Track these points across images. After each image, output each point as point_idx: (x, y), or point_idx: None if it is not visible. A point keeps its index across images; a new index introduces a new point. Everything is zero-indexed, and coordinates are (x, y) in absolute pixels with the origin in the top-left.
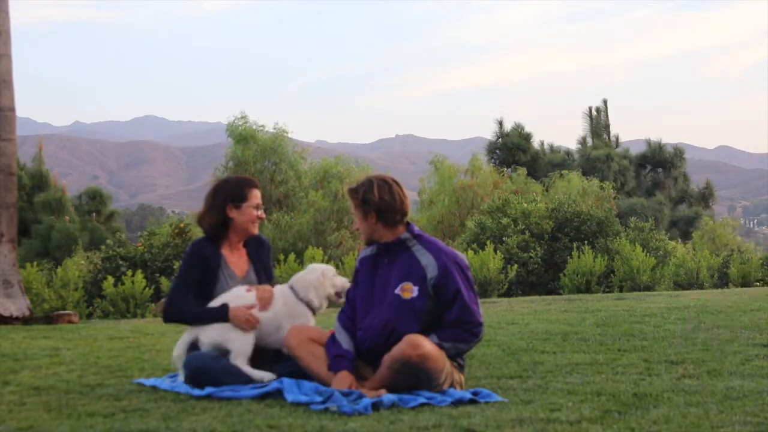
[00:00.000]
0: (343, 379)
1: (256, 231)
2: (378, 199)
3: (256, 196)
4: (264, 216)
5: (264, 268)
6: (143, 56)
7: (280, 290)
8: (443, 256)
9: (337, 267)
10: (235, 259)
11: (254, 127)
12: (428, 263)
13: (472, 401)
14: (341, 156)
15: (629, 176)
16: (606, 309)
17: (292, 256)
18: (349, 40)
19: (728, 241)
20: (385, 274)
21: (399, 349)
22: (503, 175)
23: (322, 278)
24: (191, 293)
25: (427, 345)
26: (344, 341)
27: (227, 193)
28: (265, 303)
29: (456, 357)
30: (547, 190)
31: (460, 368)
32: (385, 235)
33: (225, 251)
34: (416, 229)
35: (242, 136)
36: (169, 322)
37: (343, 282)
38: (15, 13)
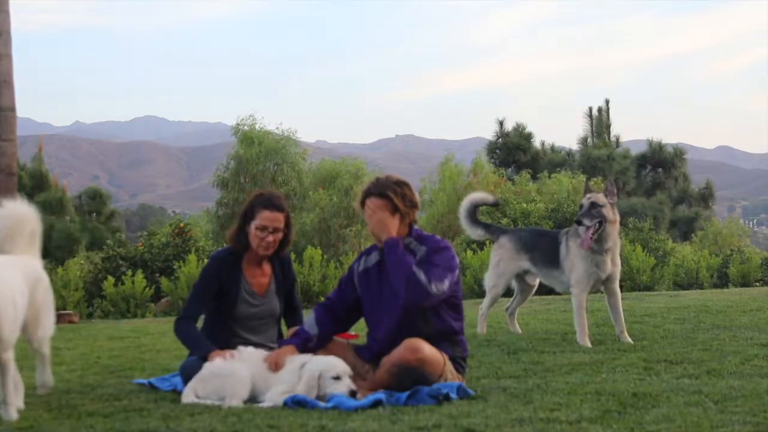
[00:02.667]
0: (284, 351)
1: (265, 252)
2: (416, 200)
3: (262, 217)
4: (270, 240)
5: (285, 282)
6: (143, 57)
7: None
8: (432, 244)
9: (340, 264)
10: (257, 275)
11: (262, 129)
12: (420, 253)
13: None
14: (346, 157)
15: (630, 176)
16: (606, 309)
17: (292, 256)
18: (350, 41)
19: (733, 243)
20: (391, 284)
21: (398, 353)
22: (503, 177)
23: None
24: (203, 307)
25: (426, 349)
26: (307, 323)
27: (245, 209)
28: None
29: (458, 358)
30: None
31: (461, 369)
32: (401, 233)
33: (246, 267)
34: (416, 228)
35: (247, 136)
36: (175, 333)
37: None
38: (18, 17)
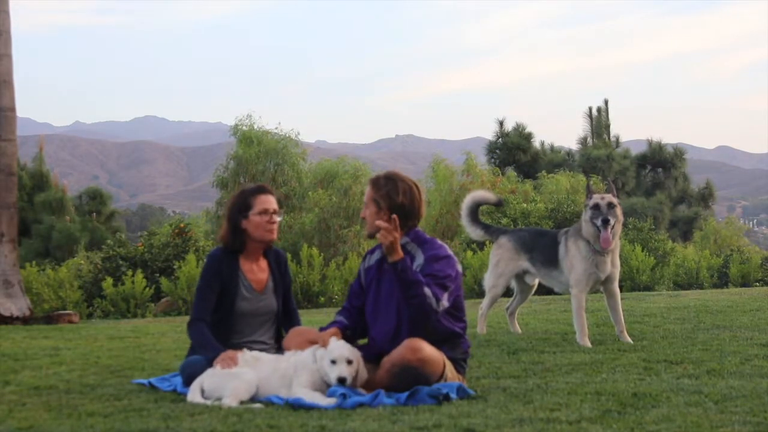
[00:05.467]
0: (329, 332)
1: (272, 236)
2: (399, 202)
3: (261, 201)
4: (276, 220)
5: (282, 282)
6: (143, 57)
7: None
8: (431, 252)
9: (342, 263)
10: (254, 271)
11: (261, 129)
12: (419, 261)
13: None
14: (345, 156)
15: (629, 176)
16: (606, 309)
17: (288, 256)
18: (350, 42)
19: (732, 243)
20: (390, 282)
21: (398, 353)
22: (498, 175)
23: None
24: (211, 305)
25: (426, 349)
26: (337, 318)
27: (235, 206)
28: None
29: (459, 359)
30: (535, 189)
31: (462, 369)
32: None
33: (243, 263)
34: (416, 230)
35: (246, 136)
36: (188, 336)
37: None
38: (18, 16)
